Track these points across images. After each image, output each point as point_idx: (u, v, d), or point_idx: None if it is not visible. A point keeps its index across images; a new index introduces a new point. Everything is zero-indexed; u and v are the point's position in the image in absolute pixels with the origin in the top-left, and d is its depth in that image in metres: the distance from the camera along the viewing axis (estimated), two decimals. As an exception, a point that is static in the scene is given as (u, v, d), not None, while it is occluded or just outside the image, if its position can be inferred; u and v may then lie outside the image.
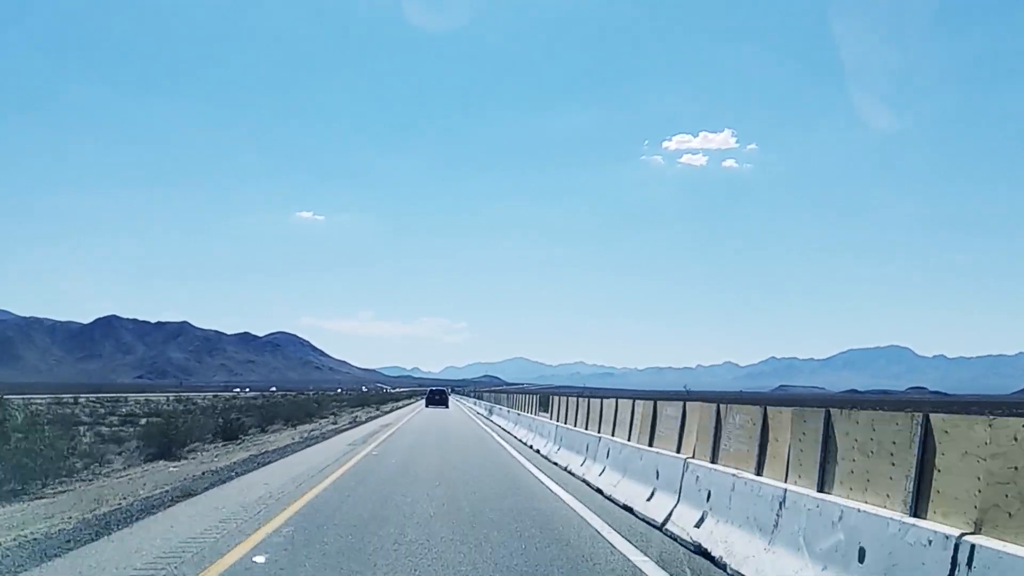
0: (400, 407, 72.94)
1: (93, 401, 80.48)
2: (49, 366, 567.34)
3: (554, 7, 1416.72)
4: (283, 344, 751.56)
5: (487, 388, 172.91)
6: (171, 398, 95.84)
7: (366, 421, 38.08)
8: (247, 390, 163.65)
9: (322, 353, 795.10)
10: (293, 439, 23.69)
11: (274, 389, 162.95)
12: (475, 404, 73.12)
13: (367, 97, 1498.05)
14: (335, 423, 35.81)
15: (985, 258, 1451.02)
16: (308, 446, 21.10)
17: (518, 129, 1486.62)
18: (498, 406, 43.88)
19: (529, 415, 27.81)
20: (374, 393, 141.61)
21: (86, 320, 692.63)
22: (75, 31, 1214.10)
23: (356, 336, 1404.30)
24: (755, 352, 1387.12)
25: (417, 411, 57.41)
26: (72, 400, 78.81)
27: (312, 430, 29.20)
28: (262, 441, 23.88)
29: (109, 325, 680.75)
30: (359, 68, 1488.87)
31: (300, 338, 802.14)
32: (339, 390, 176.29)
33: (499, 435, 28.49)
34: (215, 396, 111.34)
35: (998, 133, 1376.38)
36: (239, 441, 23.84)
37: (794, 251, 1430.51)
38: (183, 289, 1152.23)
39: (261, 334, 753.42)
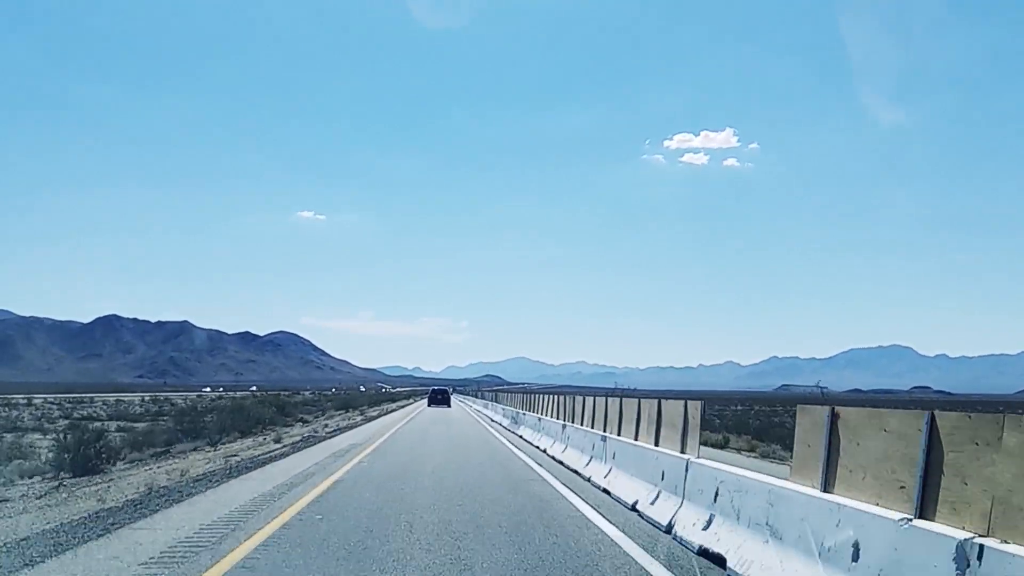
0: (393, 410, 60.33)
1: (51, 402, 74.02)
2: (49, 365, 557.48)
3: (555, 7, 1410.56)
4: (284, 344, 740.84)
5: (497, 387, 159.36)
6: (146, 399, 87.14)
7: (327, 437, 25.42)
8: (221, 389, 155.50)
9: (323, 353, 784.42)
10: (152, 486, 12.08)
11: (254, 389, 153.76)
12: (485, 407, 58.25)
13: (368, 97, 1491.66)
14: (279, 440, 24.25)
15: (987, 257, 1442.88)
16: (137, 518, 9.28)
17: (519, 129, 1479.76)
18: (528, 414, 28.11)
19: (622, 440, 13.07)
20: (371, 393, 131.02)
21: (86, 319, 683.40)
22: (75, 30, 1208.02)
23: (357, 336, 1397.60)
24: (757, 351, 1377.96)
25: (412, 415, 45.03)
26: (26, 401, 72.33)
27: (229, 457, 17.95)
28: (115, 478, 12.83)
29: (109, 324, 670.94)
30: (360, 68, 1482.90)
31: (301, 338, 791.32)
32: (332, 390, 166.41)
33: (569, 484, 14.61)
34: (198, 396, 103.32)
35: (999, 132, 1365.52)
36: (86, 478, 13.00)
37: (796, 250, 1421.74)
38: (184, 289, 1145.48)
39: (262, 333, 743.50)
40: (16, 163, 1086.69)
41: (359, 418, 42.94)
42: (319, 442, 22.91)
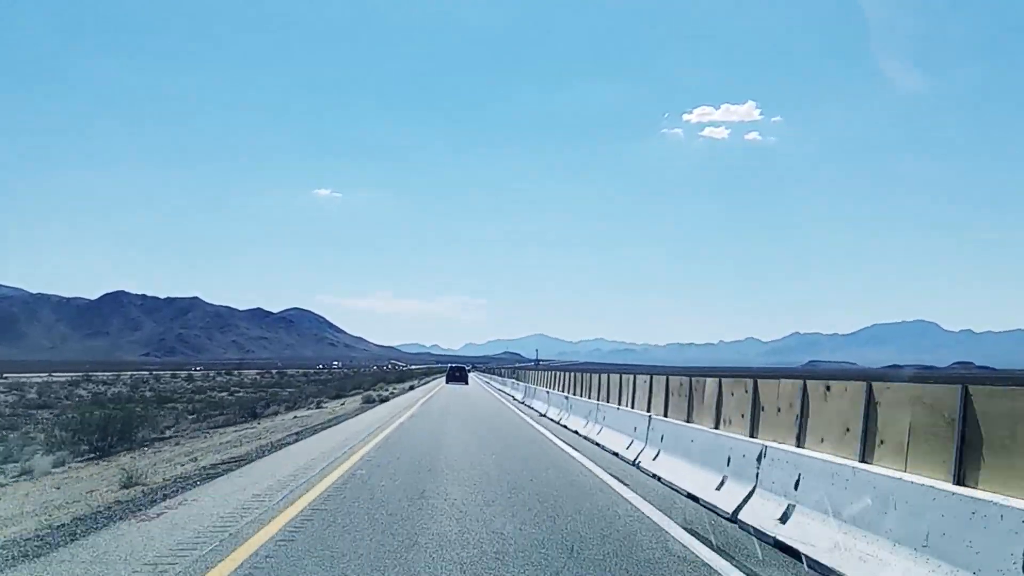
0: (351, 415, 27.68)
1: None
2: (54, 343, 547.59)
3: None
4: (297, 320, 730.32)
5: (520, 365, 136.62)
6: (73, 378, 71.80)
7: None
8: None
9: (338, 330, 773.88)
10: None
11: (199, 368, 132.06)
12: (530, 396, 35.41)
13: (385, 74, 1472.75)
14: None
15: (1012, 232, 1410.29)
16: None
17: (537, 105, 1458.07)
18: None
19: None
20: (372, 374, 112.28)
21: (93, 296, 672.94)
22: (91, 5, 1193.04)
23: (375, 313, 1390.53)
24: (779, 328, 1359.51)
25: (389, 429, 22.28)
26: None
27: None
28: None
29: (117, 301, 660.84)
30: (378, 46, 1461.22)
31: (315, 314, 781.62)
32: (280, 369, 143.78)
33: None
34: (172, 375, 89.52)
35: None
36: None
37: (818, 225, 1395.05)
38: (197, 265, 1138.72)
39: (275, 310, 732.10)
40: (27, 139, 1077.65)
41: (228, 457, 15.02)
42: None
